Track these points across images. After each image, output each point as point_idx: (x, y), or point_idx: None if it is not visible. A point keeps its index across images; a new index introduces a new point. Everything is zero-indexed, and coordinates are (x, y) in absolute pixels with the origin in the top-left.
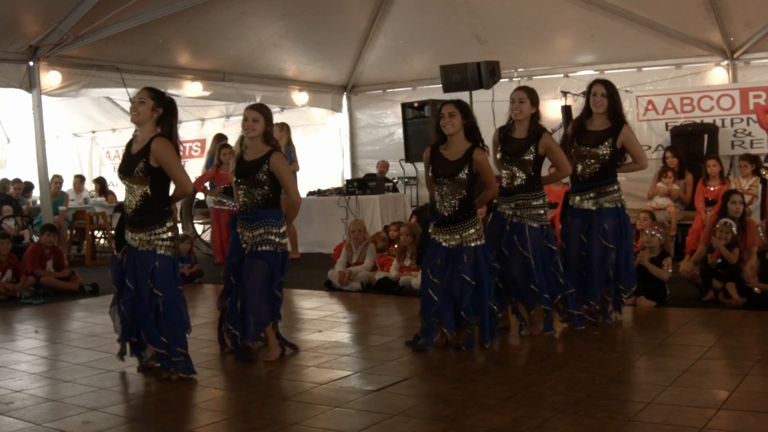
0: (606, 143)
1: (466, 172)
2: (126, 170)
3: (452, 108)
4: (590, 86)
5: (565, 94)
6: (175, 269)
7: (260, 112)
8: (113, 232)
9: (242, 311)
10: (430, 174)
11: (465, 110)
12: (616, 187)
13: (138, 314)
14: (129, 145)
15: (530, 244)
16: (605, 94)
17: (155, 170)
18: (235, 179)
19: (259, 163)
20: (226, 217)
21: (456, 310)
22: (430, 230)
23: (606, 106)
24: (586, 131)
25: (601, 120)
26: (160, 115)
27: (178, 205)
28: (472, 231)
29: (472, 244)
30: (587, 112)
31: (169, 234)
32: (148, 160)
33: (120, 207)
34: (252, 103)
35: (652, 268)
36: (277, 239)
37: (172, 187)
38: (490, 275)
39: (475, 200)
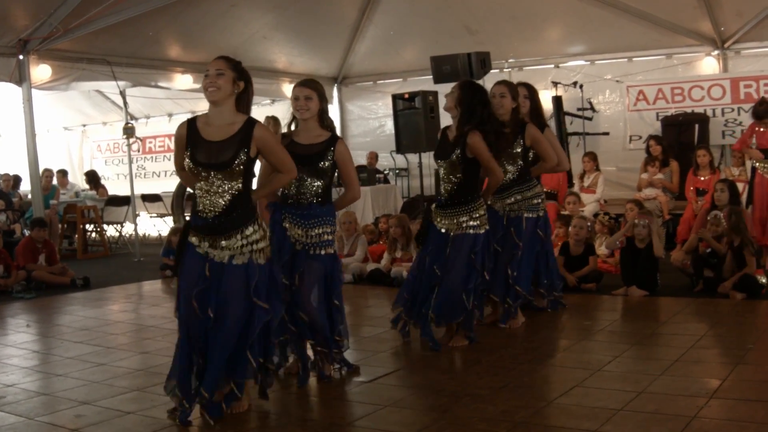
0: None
1: (457, 153)
2: (218, 163)
3: (453, 89)
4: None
5: (555, 84)
6: (271, 278)
7: (313, 88)
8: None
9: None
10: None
11: (465, 91)
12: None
13: (216, 345)
14: (193, 129)
15: (525, 233)
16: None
17: (251, 161)
18: None
19: (323, 150)
20: None
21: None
22: (432, 212)
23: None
24: None
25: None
26: (240, 90)
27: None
28: (465, 218)
29: (471, 231)
30: None
31: (261, 234)
32: (249, 150)
33: (180, 229)
34: (303, 79)
35: (656, 243)
36: (332, 237)
37: None
38: (474, 269)
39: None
